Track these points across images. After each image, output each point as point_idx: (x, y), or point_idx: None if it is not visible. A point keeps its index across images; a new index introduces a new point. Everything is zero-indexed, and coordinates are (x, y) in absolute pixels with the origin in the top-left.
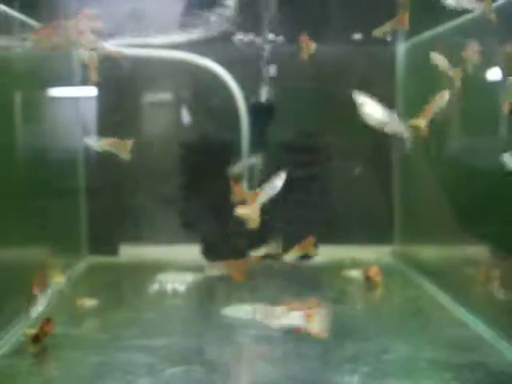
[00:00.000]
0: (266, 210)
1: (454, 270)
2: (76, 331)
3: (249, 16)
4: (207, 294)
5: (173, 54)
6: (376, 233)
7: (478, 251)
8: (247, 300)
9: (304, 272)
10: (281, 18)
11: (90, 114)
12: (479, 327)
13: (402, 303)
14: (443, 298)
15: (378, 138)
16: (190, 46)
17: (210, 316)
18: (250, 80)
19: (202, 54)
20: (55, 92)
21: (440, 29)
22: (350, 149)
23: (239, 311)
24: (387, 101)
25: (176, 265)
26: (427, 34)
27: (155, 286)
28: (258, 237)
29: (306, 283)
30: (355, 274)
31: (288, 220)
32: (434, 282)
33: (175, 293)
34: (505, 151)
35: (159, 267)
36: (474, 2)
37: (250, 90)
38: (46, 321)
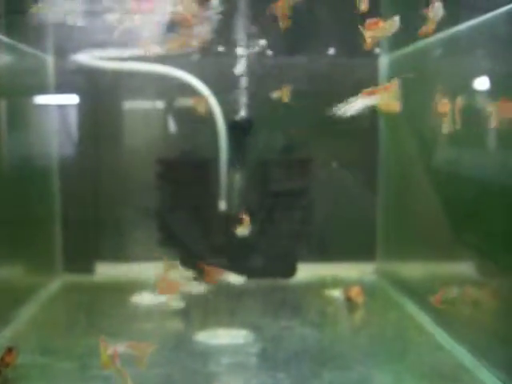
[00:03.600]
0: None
1: (436, 291)
2: (42, 360)
3: (229, 30)
4: (182, 317)
5: (150, 68)
6: (358, 249)
7: (463, 269)
8: (223, 324)
9: (284, 291)
10: (262, 32)
11: (66, 128)
12: (461, 354)
13: (383, 326)
14: (426, 321)
15: (361, 153)
16: (168, 60)
17: (184, 342)
18: (229, 95)
19: (180, 67)
20: (28, 103)
21: (425, 42)
22: (331, 164)
23: (214, 337)
24: (370, 113)
25: (152, 284)
26: (411, 47)
27: (129, 309)
28: (239, 253)
29: (286, 304)
30: (336, 294)
31: (269, 236)
32: (416, 302)
33: (149, 316)
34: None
35: (135, 287)
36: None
37: (228, 104)
38: (8, 350)
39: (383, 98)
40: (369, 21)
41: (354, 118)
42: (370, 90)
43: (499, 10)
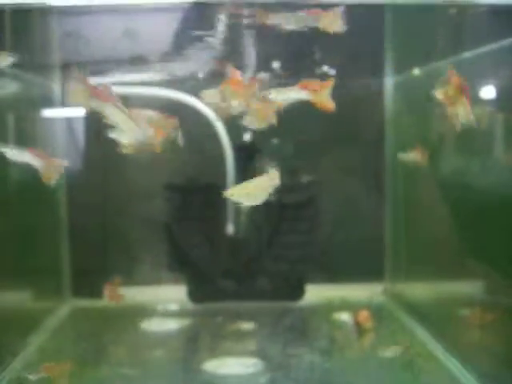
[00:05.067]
0: (254, 250)
1: (446, 314)
2: None
3: (234, 54)
4: (191, 345)
5: (157, 92)
6: (367, 270)
7: (474, 291)
8: (232, 351)
9: (292, 315)
10: (266, 56)
11: (75, 151)
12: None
13: (392, 353)
14: (435, 347)
15: (368, 170)
16: (175, 84)
17: (192, 371)
18: (235, 118)
19: (186, 91)
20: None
21: (432, 66)
22: (337, 186)
23: (223, 366)
24: (376, 135)
25: (161, 308)
26: (417, 70)
27: (138, 335)
28: (246, 278)
29: (294, 329)
30: (345, 317)
31: (276, 259)
32: (425, 326)
33: (158, 343)
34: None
35: (144, 311)
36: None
37: (235, 128)
38: None
39: (318, 94)
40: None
41: (359, 140)
42: (305, 82)
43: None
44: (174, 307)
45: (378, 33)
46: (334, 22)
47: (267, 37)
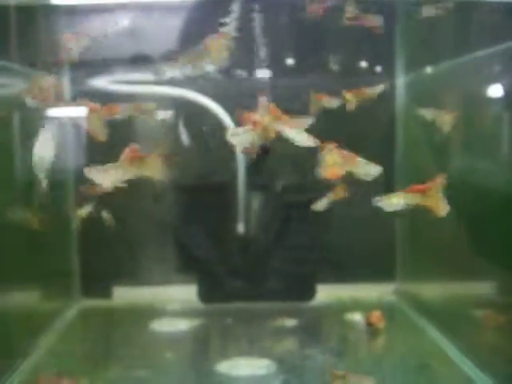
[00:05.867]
0: (265, 250)
1: (459, 314)
2: None
3: (245, 51)
4: (202, 346)
5: (166, 90)
6: (378, 270)
7: (485, 290)
8: (244, 352)
9: (304, 315)
10: (277, 52)
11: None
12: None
13: (405, 355)
14: (448, 348)
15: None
16: (185, 82)
17: (205, 373)
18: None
19: (197, 90)
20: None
21: (442, 66)
22: (348, 185)
23: (236, 367)
24: (387, 134)
25: (171, 309)
26: (428, 69)
27: (148, 336)
28: (257, 278)
29: (307, 330)
30: (357, 318)
31: (288, 259)
32: (438, 327)
33: (169, 343)
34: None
35: (153, 312)
36: None
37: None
38: None
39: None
40: None
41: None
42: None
43: None
44: (183, 307)
45: (389, 32)
46: (221, 49)
47: (280, 35)
